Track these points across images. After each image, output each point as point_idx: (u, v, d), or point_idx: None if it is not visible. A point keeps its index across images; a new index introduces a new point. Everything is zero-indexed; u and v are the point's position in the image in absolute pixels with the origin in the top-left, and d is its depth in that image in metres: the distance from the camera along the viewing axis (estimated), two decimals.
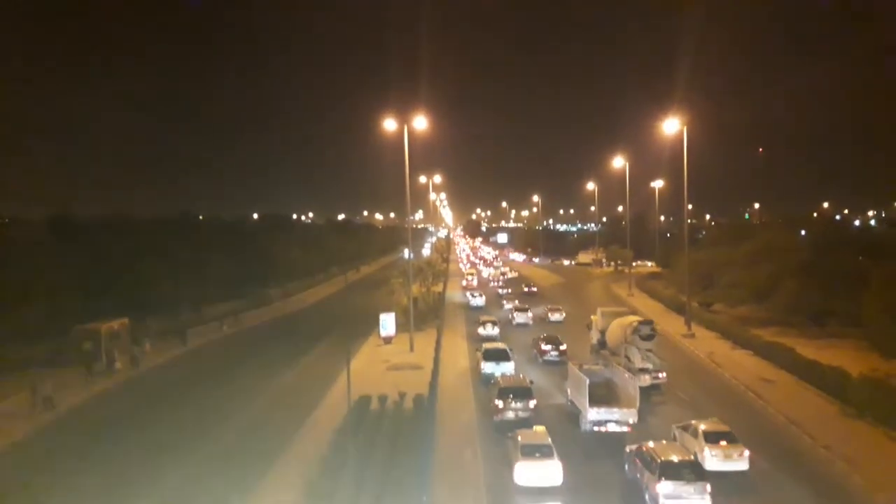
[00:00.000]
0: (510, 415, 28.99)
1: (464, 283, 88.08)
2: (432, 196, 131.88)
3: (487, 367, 37.26)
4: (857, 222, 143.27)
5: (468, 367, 40.95)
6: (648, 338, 35.35)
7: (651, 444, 22.98)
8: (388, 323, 48.68)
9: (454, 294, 79.46)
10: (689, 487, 20.50)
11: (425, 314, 59.33)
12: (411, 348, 45.68)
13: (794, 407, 31.48)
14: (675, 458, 21.38)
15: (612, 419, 27.47)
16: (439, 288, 73.90)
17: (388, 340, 48.17)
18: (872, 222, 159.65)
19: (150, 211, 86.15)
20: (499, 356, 37.82)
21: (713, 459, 23.54)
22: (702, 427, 24.80)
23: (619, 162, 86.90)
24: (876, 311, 38.93)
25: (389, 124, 45.36)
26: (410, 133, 45.91)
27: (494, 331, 49.66)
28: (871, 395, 29.48)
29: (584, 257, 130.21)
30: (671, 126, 53.16)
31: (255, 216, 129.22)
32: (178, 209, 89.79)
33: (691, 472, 20.94)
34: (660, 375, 34.87)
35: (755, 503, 21.99)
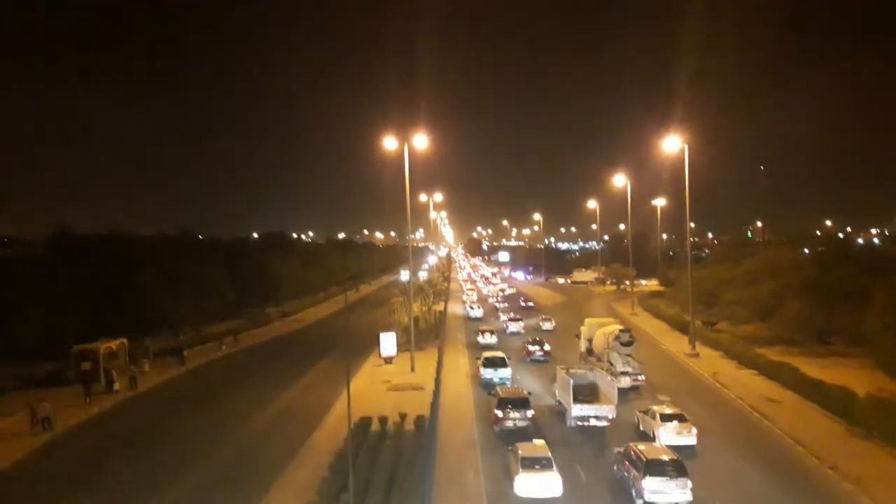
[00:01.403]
0: (509, 424, 30.38)
1: (464, 297, 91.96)
2: (433, 214, 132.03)
3: (487, 374, 40.41)
4: (860, 240, 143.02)
5: (469, 390, 40.61)
6: (628, 344, 39.50)
7: (637, 445, 24.65)
8: (388, 343, 48.28)
9: (455, 307, 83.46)
10: (672, 483, 22.22)
11: (426, 333, 59.04)
12: (412, 368, 45.30)
13: (801, 427, 31.08)
14: (659, 457, 23.09)
15: (594, 415, 30.81)
16: (440, 307, 73.68)
17: (388, 360, 47.78)
18: (876, 240, 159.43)
19: (149, 230, 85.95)
20: (497, 363, 40.78)
21: (668, 435, 27.99)
22: (658, 410, 29.85)
23: (620, 180, 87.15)
24: (880, 329, 38.58)
25: (390, 143, 45.34)
26: (411, 151, 45.93)
27: (493, 339, 54.51)
28: (878, 414, 29.11)
29: (579, 275, 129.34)
30: (673, 144, 53.21)
31: (255, 235, 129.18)
32: (178, 228, 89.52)
33: (674, 469, 22.58)
34: (639, 378, 39.06)
35: None
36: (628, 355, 39.51)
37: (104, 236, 66.60)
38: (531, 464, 23.50)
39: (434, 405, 32.95)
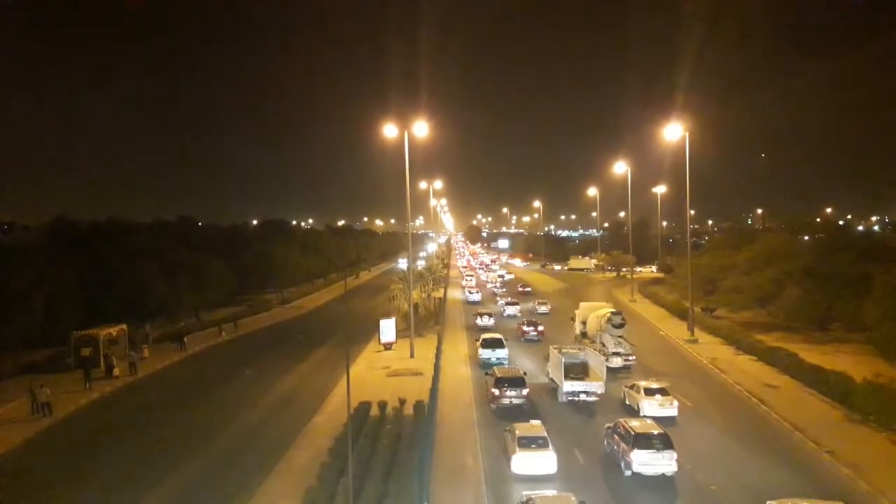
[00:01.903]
0: (505, 401, 31.97)
1: (463, 283, 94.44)
2: (433, 202, 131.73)
3: (485, 354, 42.72)
4: (860, 227, 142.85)
5: (468, 375, 40.73)
6: (619, 326, 41.63)
7: (626, 420, 25.81)
8: (387, 329, 48.35)
9: (455, 293, 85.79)
10: (659, 455, 23.41)
11: (426, 320, 59.12)
12: (412, 354, 45.38)
13: (798, 412, 31.17)
14: (647, 431, 24.19)
15: (583, 390, 33.01)
16: (440, 293, 73.72)
17: (388, 346, 47.86)
18: (876, 227, 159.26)
19: (148, 216, 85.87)
20: (494, 344, 43.24)
21: (651, 407, 30.37)
22: (642, 385, 32.08)
23: (621, 167, 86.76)
24: (879, 316, 38.62)
25: (390, 130, 45.15)
26: (411, 139, 45.73)
27: (490, 321, 57.19)
28: (876, 400, 29.18)
29: (575, 262, 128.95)
30: (673, 131, 53.00)
31: (255, 222, 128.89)
32: (177, 215, 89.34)
33: (661, 442, 23.68)
34: (630, 358, 41.23)
35: None
36: (620, 337, 41.74)
37: (103, 223, 66.51)
38: (528, 443, 24.43)
39: (433, 390, 33.03)
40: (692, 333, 51.12)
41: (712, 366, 41.93)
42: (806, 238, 67.82)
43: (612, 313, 42.62)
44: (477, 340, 45.35)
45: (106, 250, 57.15)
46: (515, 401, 31.86)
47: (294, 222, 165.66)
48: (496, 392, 32.17)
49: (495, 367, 36.20)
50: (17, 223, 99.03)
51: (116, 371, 41.53)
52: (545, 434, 25.08)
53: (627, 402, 32.84)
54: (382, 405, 31.38)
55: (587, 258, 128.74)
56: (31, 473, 23.41)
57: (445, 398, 34.50)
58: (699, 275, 58.71)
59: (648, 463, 23.43)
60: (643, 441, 23.66)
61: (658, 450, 23.50)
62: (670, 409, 30.52)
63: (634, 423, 25.15)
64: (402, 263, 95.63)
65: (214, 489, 24.13)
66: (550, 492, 20.51)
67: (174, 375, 44.30)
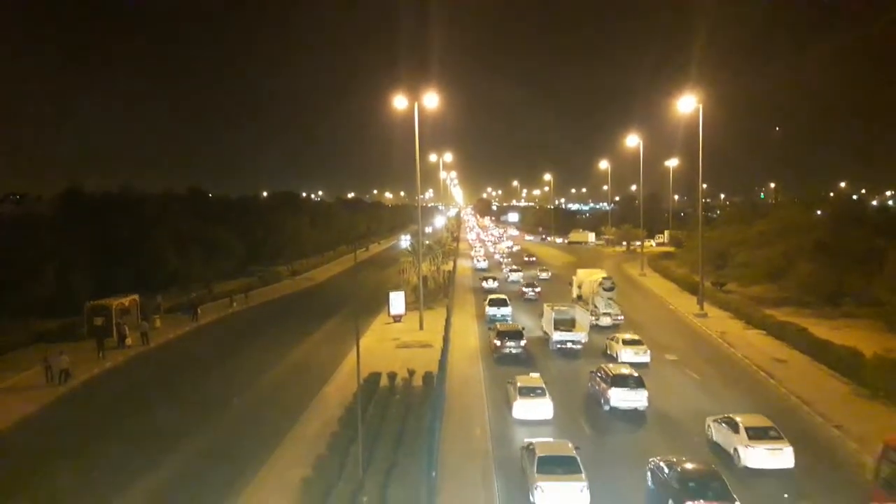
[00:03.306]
0: (506, 351, 36.72)
1: (472, 253, 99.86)
2: (443, 175, 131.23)
3: (491, 311, 48.45)
4: (874, 201, 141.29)
5: (477, 345, 40.97)
6: (610, 289, 47.35)
7: (606, 365, 30.36)
8: (397, 301, 48.50)
9: (464, 262, 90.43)
10: (633, 393, 27.57)
11: (435, 292, 59.29)
12: (421, 326, 45.61)
13: (807, 387, 31.19)
14: (623, 373, 28.60)
15: (570, 339, 38.54)
16: (449, 266, 73.79)
17: (397, 319, 48.05)
18: (891, 202, 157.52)
19: (158, 187, 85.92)
20: (500, 303, 49.23)
21: (627, 355, 35.37)
22: (620, 336, 37.30)
23: (632, 140, 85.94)
24: (891, 291, 38.43)
25: (400, 102, 44.83)
26: (421, 110, 45.44)
27: (494, 284, 64.90)
28: (885, 375, 29.13)
29: (576, 236, 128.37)
30: (686, 104, 52.33)
31: (265, 194, 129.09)
32: (187, 186, 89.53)
33: (635, 382, 27.95)
34: (619, 318, 46.35)
35: (767, 482, 21.76)
36: (609, 298, 47.27)
37: (115, 194, 66.75)
38: (527, 392, 27.58)
39: (442, 362, 33.25)
40: (702, 307, 51.03)
41: (721, 340, 41.92)
42: (819, 213, 67.14)
43: (604, 278, 48.59)
44: (485, 300, 52.08)
45: (118, 221, 57.46)
46: (514, 350, 36.75)
47: (304, 194, 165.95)
48: (498, 343, 37.09)
49: (497, 323, 41.56)
50: (30, 194, 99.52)
51: (129, 341, 41.99)
52: (543, 385, 28.19)
53: (608, 352, 37.43)
54: (392, 376, 31.66)
55: (585, 232, 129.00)
56: (48, 440, 23.92)
57: (454, 371, 34.74)
58: (710, 249, 58.41)
59: (623, 399, 27.64)
60: (620, 381, 27.96)
61: (632, 388, 27.70)
62: (644, 356, 35.65)
63: (612, 367, 29.72)
64: (405, 242, 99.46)
65: (225, 458, 24.49)
66: (548, 439, 22.59)
67: (186, 345, 44.77)
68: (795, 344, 38.41)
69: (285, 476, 21.85)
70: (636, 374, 28.60)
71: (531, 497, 19.53)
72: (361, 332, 36.49)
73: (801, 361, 35.91)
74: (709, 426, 25.00)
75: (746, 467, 21.90)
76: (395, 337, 43.40)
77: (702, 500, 18.00)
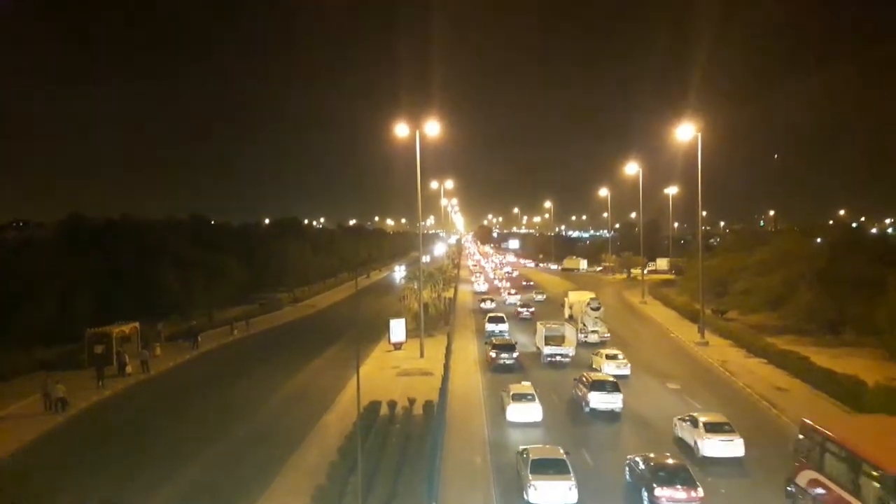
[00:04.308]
0: (500, 361, 41.67)
1: (473, 279, 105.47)
2: (443, 202, 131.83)
3: (489, 327, 53.67)
4: (874, 229, 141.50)
5: (478, 375, 40.90)
6: (596, 309, 52.22)
7: (587, 372, 35.08)
8: (398, 329, 48.43)
9: (465, 288, 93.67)
10: (609, 396, 31.59)
11: (436, 320, 59.20)
12: (422, 354, 45.49)
13: (809, 415, 30.83)
14: (601, 379, 33.15)
15: (559, 353, 43.14)
16: (450, 293, 73.78)
17: (398, 346, 47.95)
18: (890, 230, 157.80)
19: (159, 215, 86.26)
20: (498, 320, 54.84)
21: (609, 368, 38.63)
22: (603, 351, 41.64)
23: (632, 168, 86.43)
24: (892, 319, 38.36)
25: (401, 130, 45.26)
26: (422, 138, 45.83)
27: (492, 304, 71.11)
28: (887, 403, 28.96)
29: (569, 262, 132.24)
30: (685, 132, 52.81)
31: (266, 221, 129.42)
32: (189, 213, 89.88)
33: (611, 386, 32.01)
34: (605, 335, 51.07)
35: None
36: (597, 318, 51.90)
37: (116, 221, 67.06)
38: (519, 398, 30.99)
39: (443, 390, 33.13)
40: (702, 336, 50.92)
41: (722, 368, 41.77)
42: (818, 240, 67.24)
43: (591, 299, 53.85)
44: (484, 318, 57.10)
45: (119, 248, 57.62)
46: (507, 361, 41.75)
47: (306, 221, 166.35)
48: (493, 355, 42.22)
49: (493, 338, 47.07)
50: (31, 221, 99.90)
51: (129, 369, 41.86)
52: (533, 391, 31.80)
53: (593, 366, 40.56)
54: (392, 405, 31.51)
55: (577, 259, 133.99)
56: (41, 471, 23.73)
57: (455, 398, 34.61)
58: (710, 277, 58.43)
59: (601, 401, 31.52)
60: (598, 385, 32.08)
61: (609, 392, 31.62)
62: (624, 369, 39.24)
63: (592, 374, 34.46)
64: (399, 272, 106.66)
65: (223, 488, 24.29)
66: (541, 445, 24.80)
67: (186, 373, 44.63)
68: (797, 373, 38.27)
69: None
70: (613, 380, 33.07)
71: (525, 495, 21.65)
72: (362, 359, 36.52)
73: (802, 390, 35.76)
74: (675, 424, 28.42)
75: (704, 456, 25.56)
76: (395, 365, 43.28)
77: (669, 487, 20.88)
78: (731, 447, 25.49)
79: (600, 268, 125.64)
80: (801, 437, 19.83)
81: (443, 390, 33.10)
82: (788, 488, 19.75)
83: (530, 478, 21.52)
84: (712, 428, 26.05)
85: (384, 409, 31.07)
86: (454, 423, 30.74)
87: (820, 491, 17.83)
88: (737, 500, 22.40)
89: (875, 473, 15.93)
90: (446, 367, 39.36)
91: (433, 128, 45.90)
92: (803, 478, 18.96)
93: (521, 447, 24.34)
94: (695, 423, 26.72)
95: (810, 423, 20.12)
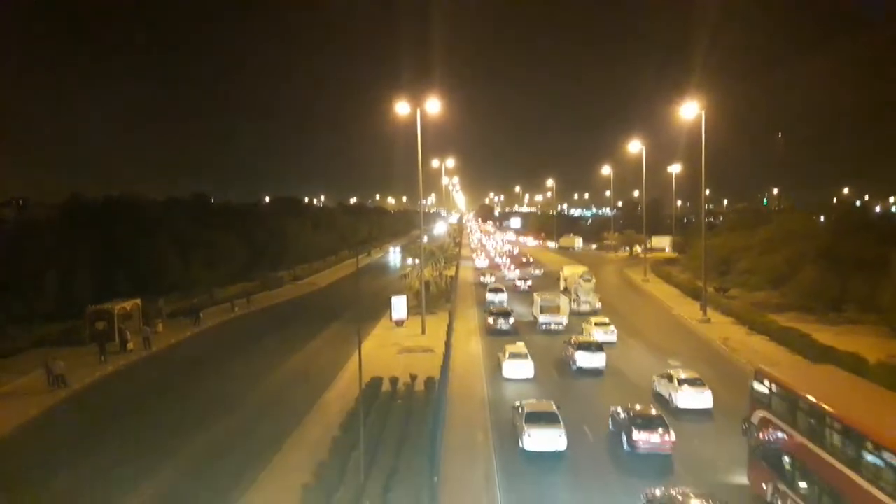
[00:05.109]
0: (497, 327, 45.82)
1: (474, 256, 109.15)
2: (445, 180, 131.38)
3: (490, 297, 58.56)
4: (877, 208, 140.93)
5: (479, 350, 40.97)
6: (588, 281, 56.36)
7: (575, 336, 39.09)
8: (399, 306, 48.39)
9: (465, 266, 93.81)
10: (593, 355, 35.51)
11: (437, 298, 59.17)
12: (423, 331, 45.53)
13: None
14: (586, 340, 37.60)
15: (553, 321, 47.36)
16: (451, 272, 73.70)
17: (399, 324, 47.96)
18: (894, 209, 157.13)
19: (160, 193, 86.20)
20: (497, 291, 59.85)
21: (597, 334, 41.57)
22: (593, 319, 44.91)
23: (635, 146, 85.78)
24: (894, 297, 38.24)
25: (402, 107, 44.83)
26: (423, 116, 45.42)
27: (492, 279, 73.68)
28: (888, 381, 28.89)
29: (565, 241, 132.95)
30: (689, 110, 52.31)
31: (267, 199, 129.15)
32: (190, 192, 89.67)
33: (596, 347, 36.39)
34: (597, 305, 55.13)
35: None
36: (589, 289, 55.95)
37: (117, 200, 66.82)
38: (514, 356, 34.65)
39: (444, 367, 33.14)
40: (705, 313, 50.88)
41: (724, 345, 41.77)
42: (822, 219, 66.97)
43: (584, 272, 58.56)
44: (485, 290, 61.91)
45: (120, 226, 57.48)
46: (504, 326, 45.74)
47: (306, 200, 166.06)
48: (491, 321, 46.56)
49: (491, 307, 52.62)
50: (31, 200, 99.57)
51: (130, 345, 41.96)
52: (527, 351, 35.43)
53: (584, 333, 42.64)
54: (394, 381, 31.54)
55: (573, 237, 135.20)
56: (44, 447, 23.78)
57: (456, 376, 34.68)
58: (713, 255, 58.29)
59: (586, 360, 35.33)
60: (584, 346, 36.08)
61: (593, 352, 35.70)
62: (611, 335, 42.43)
63: (579, 337, 38.50)
64: (394, 254, 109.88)
65: (225, 463, 24.37)
66: (534, 399, 27.24)
67: (187, 350, 44.75)
68: (798, 350, 38.22)
69: (286, 481, 21.72)
70: (598, 342, 37.49)
71: (521, 442, 24.28)
72: (363, 337, 36.54)
73: None
74: (654, 381, 31.82)
75: (678, 407, 28.80)
76: (396, 342, 43.33)
77: (646, 431, 23.61)
78: (701, 399, 28.92)
79: (595, 245, 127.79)
80: (755, 382, 21.72)
81: (444, 368, 33.12)
82: (744, 426, 21.94)
83: (525, 427, 24.10)
84: (685, 382, 29.45)
85: (386, 386, 31.11)
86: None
87: (770, 428, 20.22)
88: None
89: (804, 405, 18.58)
90: (448, 344, 39.35)
91: (434, 106, 45.49)
92: (756, 416, 21.17)
93: (517, 402, 26.81)
94: (670, 378, 30.20)
95: (764, 369, 22.13)
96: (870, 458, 15.35)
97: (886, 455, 14.81)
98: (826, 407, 17.54)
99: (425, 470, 20.53)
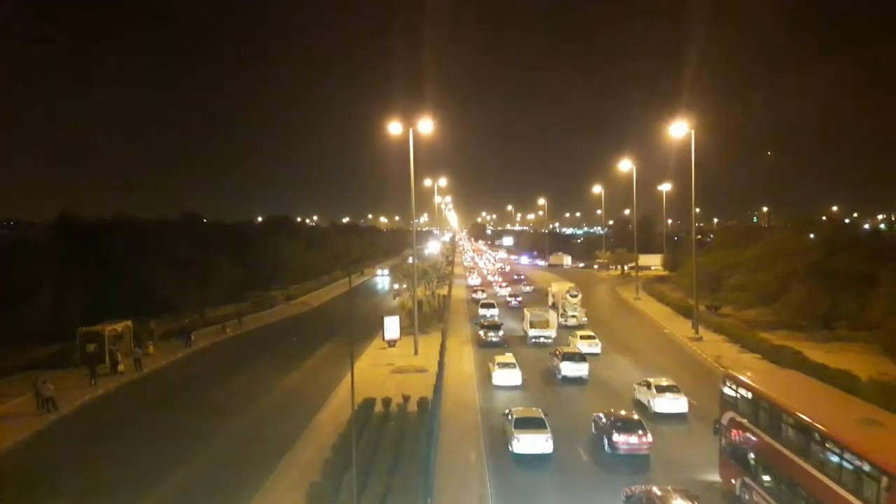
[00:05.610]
0: (488, 339, 48.60)
1: (467, 274, 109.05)
2: (437, 199, 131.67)
3: (482, 311, 61.36)
4: (866, 225, 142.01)
5: (472, 371, 40.84)
6: (574, 296, 59.34)
7: (560, 347, 41.76)
8: (392, 326, 48.22)
9: (458, 286, 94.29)
10: (577, 365, 37.96)
11: (430, 317, 59.11)
12: (416, 351, 45.39)
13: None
14: (570, 351, 40.04)
15: (542, 335, 49.66)
16: (444, 291, 73.74)
17: (392, 343, 47.78)
18: (883, 225, 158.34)
19: (152, 214, 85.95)
20: (489, 306, 62.79)
21: (583, 347, 44.01)
22: (578, 333, 47.61)
23: (626, 165, 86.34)
24: (885, 314, 38.43)
25: (395, 127, 45.09)
26: (416, 136, 45.66)
27: (484, 295, 76.52)
28: (880, 399, 28.98)
29: (555, 259, 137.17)
30: (679, 129, 52.79)
31: (260, 219, 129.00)
32: (182, 212, 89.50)
33: (580, 357, 38.73)
34: (583, 319, 57.87)
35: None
36: (575, 304, 58.91)
37: (109, 220, 66.61)
38: (503, 366, 37.16)
39: (437, 387, 33.06)
40: (697, 331, 51.01)
41: (716, 364, 41.79)
42: (812, 236, 67.41)
43: (570, 288, 60.98)
44: (478, 304, 65.55)
45: (111, 247, 57.24)
46: (494, 338, 48.50)
47: (299, 219, 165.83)
48: (482, 334, 49.33)
49: (482, 319, 55.64)
50: (23, 220, 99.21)
51: (121, 367, 41.66)
52: (515, 361, 37.86)
53: (570, 345, 44.68)
54: (387, 402, 31.38)
55: (562, 255, 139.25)
56: (33, 469, 23.50)
57: (449, 396, 34.56)
58: (704, 273, 58.55)
59: (571, 369, 37.68)
60: (568, 356, 38.49)
61: (576, 362, 38.04)
62: (595, 347, 44.86)
63: (564, 348, 41.00)
64: (382, 276, 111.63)
65: (217, 487, 24.15)
66: (522, 407, 28.99)
67: (179, 372, 44.44)
68: (791, 368, 38.18)
69: (279, 503, 21.57)
70: (581, 353, 39.97)
71: (510, 446, 25.93)
72: (356, 357, 36.44)
73: None
74: (634, 388, 33.91)
75: (655, 412, 30.77)
76: (389, 362, 43.16)
77: (625, 433, 25.43)
78: (676, 404, 31.08)
79: (582, 264, 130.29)
80: (724, 386, 23.02)
81: (437, 388, 33.03)
82: (715, 426, 23.26)
83: (515, 432, 25.89)
84: (662, 389, 31.61)
85: (379, 406, 30.95)
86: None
87: (738, 428, 21.63)
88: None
89: (764, 405, 20.17)
90: (441, 364, 39.26)
91: (427, 126, 45.74)
92: (725, 417, 22.64)
93: (507, 410, 28.59)
94: (648, 385, 32.35)
95: (732, 373, 23.56)
96: (817, 448, 16.88)
97: (830, 445, 16.34)
98: (781, 404, 19.22)
99: (419, 491, 20.42)
